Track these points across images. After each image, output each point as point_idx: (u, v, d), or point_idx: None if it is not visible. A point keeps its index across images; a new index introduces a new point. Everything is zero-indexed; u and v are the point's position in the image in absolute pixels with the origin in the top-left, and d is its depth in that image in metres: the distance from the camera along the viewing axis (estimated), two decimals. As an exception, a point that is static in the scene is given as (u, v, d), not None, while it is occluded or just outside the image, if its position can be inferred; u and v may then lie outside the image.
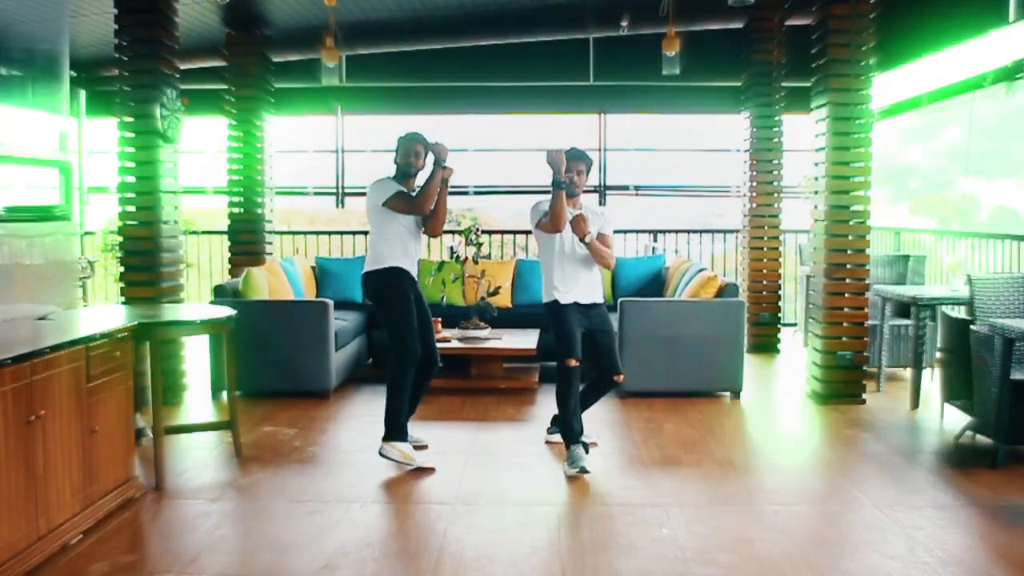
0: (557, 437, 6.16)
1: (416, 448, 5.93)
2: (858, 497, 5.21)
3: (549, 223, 5.79)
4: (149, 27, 7.19)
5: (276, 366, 7.57)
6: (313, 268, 9.47)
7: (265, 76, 10.06)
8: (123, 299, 7.42)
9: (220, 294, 7.86)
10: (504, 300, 9.06)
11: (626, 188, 12.11)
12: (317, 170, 12.27)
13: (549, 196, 5.82)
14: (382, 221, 5.88)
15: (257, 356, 7.47)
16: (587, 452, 5.76)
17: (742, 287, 9.93)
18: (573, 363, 5.76)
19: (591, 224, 5.91)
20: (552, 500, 5.18)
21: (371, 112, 12.21)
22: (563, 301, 5.87)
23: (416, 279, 6.00)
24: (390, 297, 5.86)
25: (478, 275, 8.56)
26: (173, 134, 7.42)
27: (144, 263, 7.36)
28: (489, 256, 10.05)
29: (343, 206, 12.17)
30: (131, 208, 7.37)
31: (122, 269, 7.49)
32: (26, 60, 7.57)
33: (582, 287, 5.94)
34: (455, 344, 7.88)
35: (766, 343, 9.99)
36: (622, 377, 6.06)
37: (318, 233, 12.21)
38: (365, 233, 10.80)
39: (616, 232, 6.21)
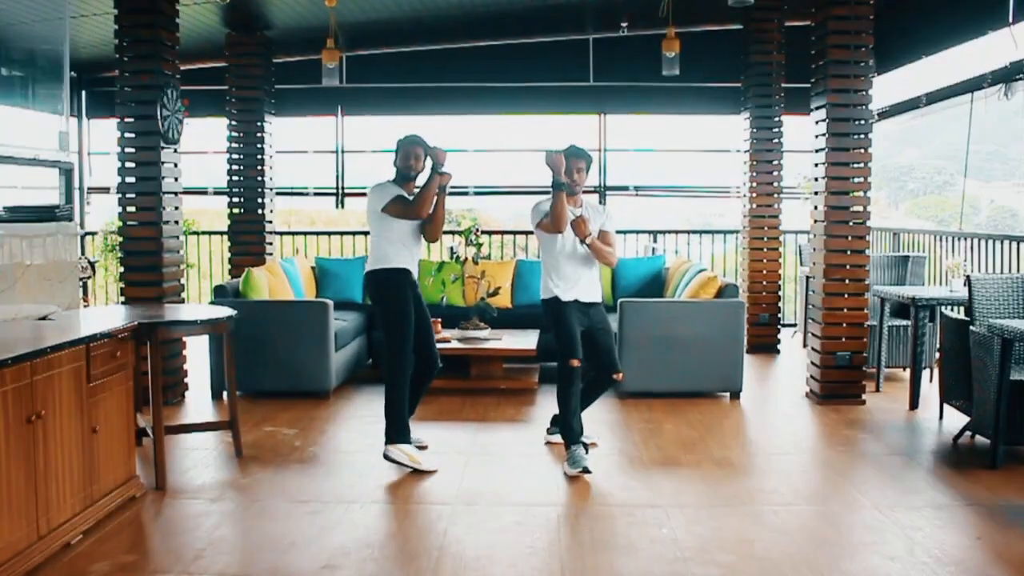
0: (557, 438, 6.16)
1: (417, 448, 5.92)
2: (857, 497, 5.21)
3: (550, 224, 5.79)
4: (150, 28, 7.18)
5: (276, 366, 7.56)
6: (313, 268, 9.46)
7: (265, 77, 10.07)
8: (124, 299, 7.42)
9: (221, 294, 7.86)
10: (504, 301, 9.05)
11: (626, 189, 12.12)
12: (317, 171, 12.28)
13: (549, 196, 5.82)
14: (382, 225, 5.88)
15: (257, 356, 7.46)
16: (587, 452, 5.76)
17: (742, 288, 9.92)
18: (575, 363, 5.76)
19: (592, 222, 5.91)
20: (552, 500, 5.17)
21: (371, 113, 12.22)
22: (564, 298, 5.87)
23: (416, 281, 6.00)
24: (389, 299, 5.86)
25: (478, 276, 8.55)
26: (174, 135, 7.42)
27: (145, 263, 7.36)
28: (489, 257, 10.04)
29: (343, 207, 12.18)
30: (132, 208, 7.37)
31: (123, 269, 7.49)
32: (27, 60, 7.57)
33: (583, 286, 5.95)
34: (455, 344, 7.87)
35: (766, 343, 9.98)
36: (621, 375, 6.07)
37: (318, 233, 12.23)
38: (365, 233, 10.82)
39: (616, 232, 6.18)
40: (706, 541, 4.52)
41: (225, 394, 7.10)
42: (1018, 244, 8.01)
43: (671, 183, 12.46)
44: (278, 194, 10.54)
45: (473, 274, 8.64)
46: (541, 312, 6.12)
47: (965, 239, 9.09)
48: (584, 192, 6.06)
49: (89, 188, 12.27)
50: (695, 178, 12.42)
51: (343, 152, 12.11)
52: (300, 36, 10.13)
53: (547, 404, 7.24)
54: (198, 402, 7.59)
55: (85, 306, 9.51)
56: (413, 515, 5.03)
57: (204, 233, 12.09)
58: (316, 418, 7.04)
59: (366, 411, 7.23)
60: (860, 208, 7.38)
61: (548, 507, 5.05)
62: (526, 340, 8.06)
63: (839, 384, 7.46)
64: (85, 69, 11.62)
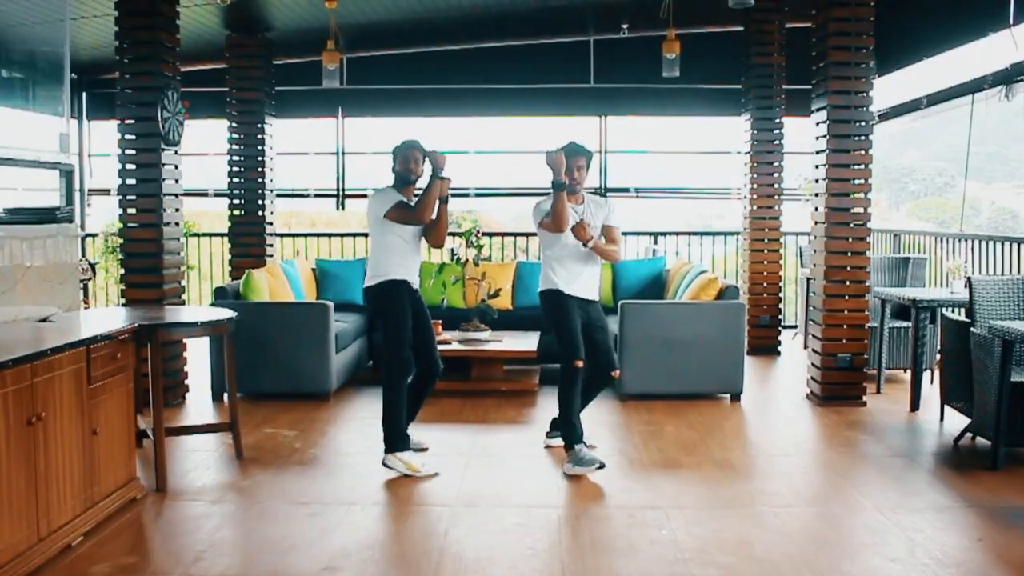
0: (557, 441, 6.14)
1: (417, 451, 5.93)
2: (858, 499, 5.20)
3: (551, 223, 5.78)
4: (150, 29, 7.18)
5: (277, 368, 7.56)
6: (314, 270, 9.44)
7: (266, 79, 10.06)
8: (124, 301, 7.42)
9: (221, 296, 7.86)
10: (505, 302, 9.04)
11: (627, 190, 12.12)
12: (318, 172, 12.28)
13: (551, 196, 5.81)
14: (383, 232, 5.87)
15: (258, 358, 7.46)
16: (588, 453, 5.76)
17: (742, 289, 9.91)
18: (580, 364, 5.77)
19: (594, 216, 5.92)
20: (552, 502, 5.16)
21: (372, 114, 12.21)
22: (567, 291, 5.86)
23: (417, 289, 5.99)
24: (388, 310, 5.86)
25: (478, 277, 8.54)
26: (174, 136, 7.42)
27: (145, 265, 7.36)
28: (490, 258, 10.03)
29: (344, 208, 12.18)
30: (132, 210, 7.37)
31: (123, 271, 7.49)
32: (27, 62, 7.57)
33: (583, 282, 5.94)
34: (455, 346, 7.86)
35: (766, 345, 9.97)
36: (618, 373, 6.09)
37: (319, 235, 12.23)
38: (366, 235, 10.82)
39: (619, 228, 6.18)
40: (706, 543, 4.51)
41: (226, 396, 7.07)
42: (1019, 245, 8.00)
43: (672, 185, 12.46)
44: (279, 196, 10.55)
45: (474, 276, 8.63)
46: (540, 304, 6.07)
47: (966, 240, 9.09)
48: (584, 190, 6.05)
49: (90, 190, 12.28)
50: (696, 180, 12.42)
51: (343, 154, 12.11)
52: (300, 38, 10.12)
53: (548, 406, 7.21)
54: (198, 404, 7.58)
55: (86, 308, 9.48)
56: (414, 517, 5.02)
57: (205, 235, 12.08)
58: (317, 420, 7.03)
59: (367, 413, 7.21)
60: (861, 210, 7.37)
61: (549, 509, 5.04)
62: (527, 342, 8.04)
63: (840, 386, 7.45)
64: (85, 71, 11.62)
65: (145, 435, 5.80)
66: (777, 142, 9.90)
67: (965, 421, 6.24)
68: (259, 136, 10.01)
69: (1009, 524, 4.78)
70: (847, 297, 7.42)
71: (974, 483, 5.44)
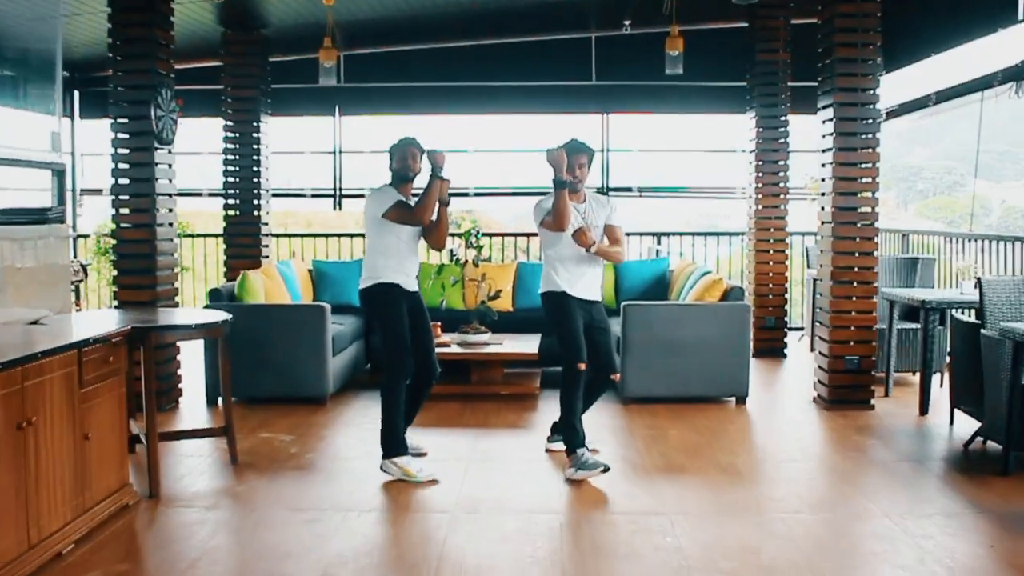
0: (557, 445, 6.10)
1: (416, 455, 5.88)
2: (866, 505, 5.16)
3: (553, 223, 5.73)
4: (144, 27, 7.15)
5: (272, 371, 7.51)
6: (310, 271, 9.41)
7: (262, 76, 10.02)
8: (117, 303, 7.39)
9: (215, 298, 7.82)
10: (505, 304, 8.99)
11: (629, 190, 12.09)
12: (314, 172, 12.25)
13: (552, 194, 5.76)
14: (380, 232, 5.82)
15: (253, 361, 7.39)
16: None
17: (748, 290, 9.78)
18: (582, 367, 5.74)
19: (596, 215, 5.89)
20: (554, 508, 5.13)
21: (369, 112, 12.20)
22: (569, 293, 5.82)
23: (416, 290, 5.95)
24: (383, 313, 5.83)
25: (478, 278, 8.48)
26: (168, 135, 7.38)
27: (138, 266, 7.32)
28: (489, 259, 10.01)
29: (341, 208, 12.18)
30: (125, 211, 7.33)
31: (116, 272, 7.48)
32: (19, 60, 7.53)
33: (586, 283, 5.91)
34: (455, 349, 7.82)
35: (772, 347, 9.95)
36: (617, 376, 6.10)
37: (315, 236, 12.22)
38: (363, 235, 10.77)
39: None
40: (711, 549, 4.47)
41: (220, 400, 6.95)
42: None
43: (675, 184, 12.47)
44: (274, 195, 10.52)
45: (473, 277, 8.58)
46: (541, 305, 6.04)
47: (976, 240, 9.08)
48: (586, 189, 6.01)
49: (82, 190, 12.22)
50: (699, 179, 12.44)
51: (340, 153, 12.08)
52: (297, 35, 10.09)
53: (549, 410, 7.17)
54: (192, 408, 7.54)
55: (77, 310, 9.56)
56: (412, 523, 5.00)
57: (199, 235, 12.07)
58: (313, 424, 6.99)
59: (364, 417, 7.18)
60: (868, 209, 7.33)
61: (550, 515, 5.00)
62: (527, 344, 8.00)
63: (847, 389, 7.40)
64: (78, 68, 11.59)
65: (138, 440, 5.76)
66: (782, 140, 9.87)
67: (975, 425, 6.21)
68: (254, 135, 9.97)
69: (1021, 530, 4.75)
70: (854, 298, 7.37)
71: (985, 488, 5.39)
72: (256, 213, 10.02)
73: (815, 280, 8.42)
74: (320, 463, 6.02)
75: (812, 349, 8.68)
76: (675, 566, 4.26)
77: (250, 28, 9.77)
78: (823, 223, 7.56)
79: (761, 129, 9.86)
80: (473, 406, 7.53)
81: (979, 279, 6.41)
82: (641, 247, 11.74)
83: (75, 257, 10.43)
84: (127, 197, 7.31)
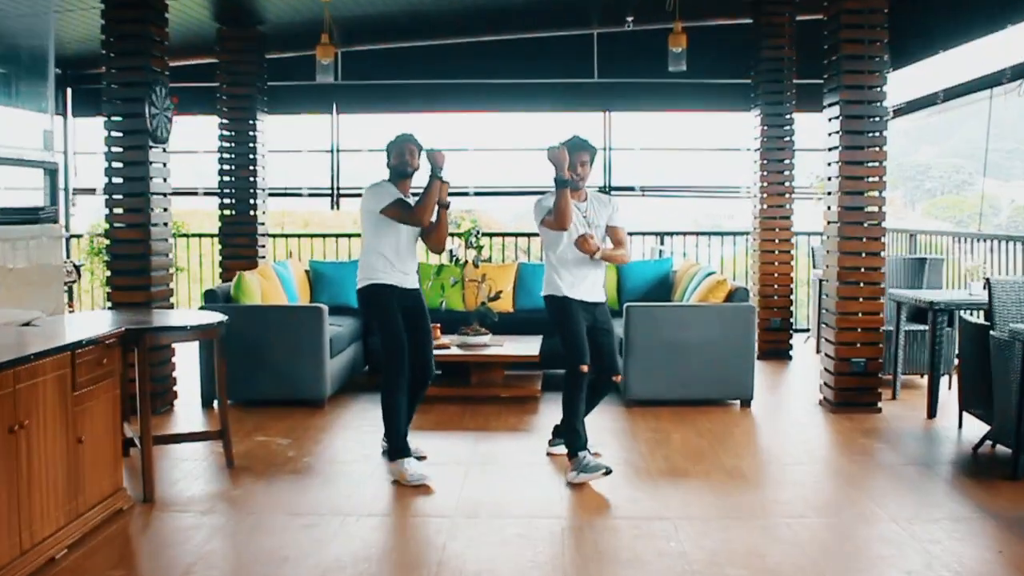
0: (558, 449, 6.07)
1: (416, 459, 5.84)
2: (873, 509, 5.13)
3: (554, 221, 5.68)
4: (138, 23, 7.11)
5: (269, 374, 7.48)
6: (307, 272, 9.39)
7: (258, 74, 9.97)
8: (111, 304, 7.36)
9: (211, 299, 7.79)
10: (505, 305, 8.95)
11: (632, 189, 12.06)
12: (311, 171, 12.21)
13: (552, 192, 5.72)
14: (377, 228, 5.79)
15: (249, 363, 7.36)
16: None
17: (752, 291, 9.82)
18: (585, 369, 5.71)
19: (598, 215, 5.86)
20: (555, 512, 5.11)
21: (367, 110, 12.19)
22: (572, 296, 5.78)
23: (414, 287, 5.93)
24: (378, 314, 5.85)
25: (478, 279, 8.44)
26: (163, 133, 7.35)
27: (133, 267, 7.29)
28: (490, 259, 9.99)
29: (338, 208, 12.19)
30: (119, 210, 7.30)
31: (109, 273, 7.44)
32: (10, 57, 7.49)
33: (589, 284, 5.87)
34: (455, 351, 7.78)
35: (777, 349, 9.91)
36: (619, 377, 6.07)
37: (312, 236, 12.21)
38: (360, 235, 10.76)
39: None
40: (716, 555, 4.45)
41: (216, 403, 7.04)
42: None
43: (678, 183, 12.45)
44: (271, 195, 10.47)
45: (473, 278, 8.54)
46: (544, 308, 6.01)
47: (985, 240, 9.07)
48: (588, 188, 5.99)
49: (75, 189, 12.20)
50: (703, 178, 12.45)
51: (338, 151, 12.06)
52: (294, 31, 10.06)
53: (550, 413, 7.15)
54: (188, 411, 7.51)
55: (70, 311, 9.56)
56: (411, 528, 4.99)
57: (194, 235, 12.05)
58: (310, 427, 6.95)
59: (362, 420, 7.16)
60: (875, 208, 7.29)
61: (551, 519, 4.98)
62: (528, 346, 7.95)
63: (854, 391, 7.37)
64: (71, 65, 11.57)
65: (132, 443, 5.76)
66: (788, 139, 9.83)
67: (984, 428, 6.17)
68: (251, 133, 9.91)
69: (1031, 536, 4.72)
70: (861, 299, 7.33)
71: (994, 492, 5.36)
72: (252, 213, 9.97)
73: (821, 281, 8.41)
74: (318, 467, 5.98)
75: (818, 351, 8.67)
76: (679, 571, 4.22)
77: (246, 24, 9.73)
78: (829, 223, 7.52)
79: (766, 127, 9.82)
80: (473, 409, 7.50)
81: (988, 280, 6.40)
82: (644, 247, 11.72)
83: (68, 257, 10.43)
84: (121, 196, 7.28)
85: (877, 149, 7.25)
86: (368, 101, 11.95)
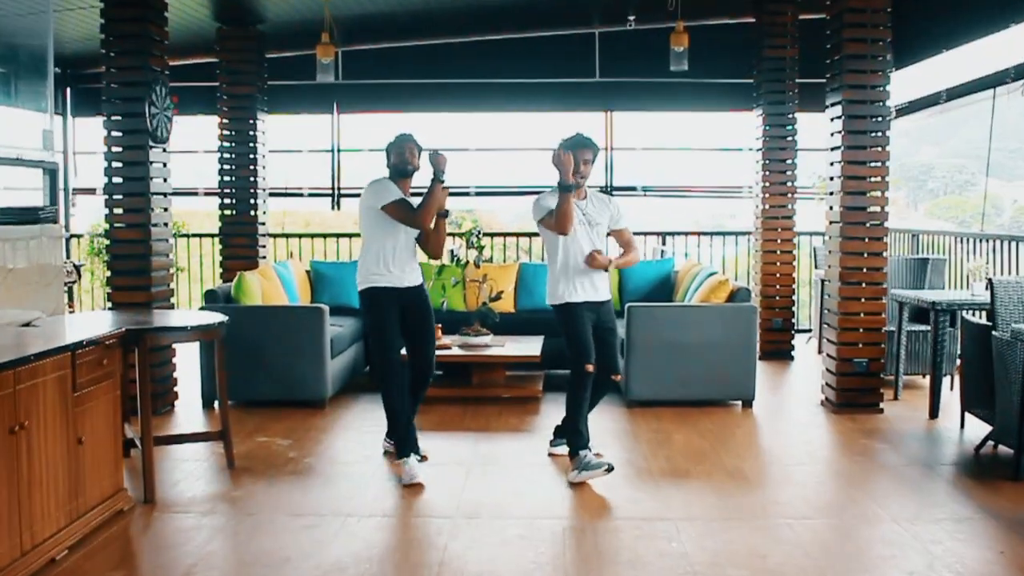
0: (560, 449, 6.06)
1: (417, 459, 5.85)
2: (875, 510, 5.11)
3: (555, 226, 5.66)
4: (137, 22, 7.09)
5: (270, 374, 7.46)
6: (308, 272, 9.37)
7: (258, 73, 9.95)
8: (111, 304, 7.35)
9: (211, 299, 7.78)
10: (507, 305, 8.92)
11: (633, 189, 12.03)
12: (312, 171, 12.19)
13: (552, 191, 5.73)
14: (377, 226, 5.78)
15: (250, 364, 7.35)
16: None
17: (754, 291, 9.83)
18: (591, 369, 5.69)
19: (599, 215, 5.84)
20: (556, 513, 5.10)
21: (368, 110, 12.13)
22: (574, 300, 5.77)
23: (415, 284, 5.92)
24: (373, 317, 5.87)
25: (480, 279, 8.43)
26: (163, 133, 7.34)
27: (133, 267, 7.28)
28: (491, 259, 9.98)
29: (339, 208, 12.15)
30: (119, 210, 7.29)
31: (110, 273, 7.42)
32: (8, 56, 7.45)
33: (592, 285, 5.84)
34: (456, 351, 7.76)
35: (779, 350, 9.89)
36: (619, 377, 6.08)
37: (313, 236, 12.17)
38: (360, 234, 10.76)
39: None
40: (717, 555, 4.44)
41: (216, 403, 7.01)
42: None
43: (680, 183, 12.42)
44: (271, 195, 10.45)
45: (475, 278, 8.54)
46: (551, 317, 6.01)
47: (987, 240, 9.06)
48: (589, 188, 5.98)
49: (74, 189, 12.18)
50: (705, 178, 12.41)
51: (339, 151, 12.02)
52: (294, 30, 10.03)
53: (552, 413, 7.15)
54: (188, 412, 7.50)
55: (70, 312, 9.55)
56: (413, 529, 4.98)
57: (194, 235, 12.02)
58: (311, 428, 6.94)
59: (363, 420, 7.15)
60: (877, 208, 7.28)
61: (552, 520, 4.97)
62: (530, 346, 7.93)
63: (856, 392, 7.35)
64: (70, 65, 11.54)
65: (133, 444, 5.75)
66: (790, 138, 9.81)
67: (986, 429, 6.16)
68: (251, 133, 9.89)
69: (1032, 536, 4.71)
70: (863, 300, 7.31)
71: (996, 493, 5.36)
72: (253, 213, 9.94)
73: (823, 281, 8.38)
74: (318, 467, 5.97)
75: (820, 351, 8.65)
76: (681, 572, 4.22)
77: (246, 23, 9.70)
78: (831, 223, 7.51)
79: (768, 127, 9.79)
80: (474, 409, 7.48)
81: (990, 280, 6.38)
82: (646, 247, 11.69)
83: (68, 258, 10.41)
84: (121, 196, 7.26)
85: (879, 149, 7.24)
86: (369, 100, 11.89)
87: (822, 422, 7.17)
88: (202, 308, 7.60)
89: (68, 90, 11.91)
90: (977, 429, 6.41)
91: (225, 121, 9.83)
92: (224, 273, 9.90)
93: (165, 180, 7.47)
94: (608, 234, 6.00)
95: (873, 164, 7.25)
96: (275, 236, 11.53)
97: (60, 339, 4.61)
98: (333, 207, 12.05)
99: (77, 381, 4.53)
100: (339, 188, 11.99)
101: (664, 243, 11.69)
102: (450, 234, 7.45)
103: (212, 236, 10.96)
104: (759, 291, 9.87)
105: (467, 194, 12.09)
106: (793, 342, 10.00)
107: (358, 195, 6.23)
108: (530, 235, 11.37)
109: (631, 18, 10.16)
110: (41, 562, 4.19)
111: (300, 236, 12.27)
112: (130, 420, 5.84)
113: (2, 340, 4.57)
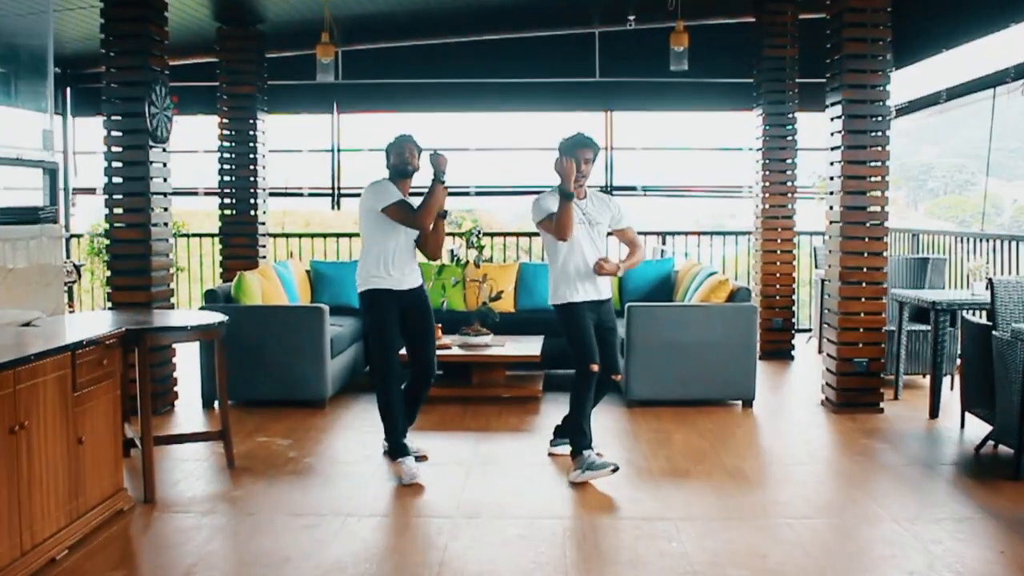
0: (561, 449, 6.05)
1: (416, 459, 5.85)
2: (875, 510, 5.11)
3: (555, 231, 5.65)
4: (137, 22, 7.08)
5: (270, 374, 7.45)
6: (308, 272, 9.36)
7: (258, 73, 9.95)
8: (111, 304, 7.34)
9: (211, 299, 7.77)
10: (507, 305, 8.91)
11: (633, 189, 12.02)
12: (312, 170, 12.18)
13: (552, 191, 5.72)
14: (376, 228, 5.77)
15: (250, 364, 7.34)
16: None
17: (754, 291, 9.81)
18: (595, 368, 5.68)
19: (599, 214, 5.83)
20: (557, 513, 5.09)
21: (368, 109, 12.12)
22: (576, 300, 5.76)
23: (414, 286, 5.91)
24: (372, 319, 5.87)
25: (479, 279, 8.42)
26: (163, 133, 7.33)
27: (133, 267, 7.27)
28: (491, 259, 9.97)
29: (339, 208, 12.13)
30: (119, 210, 7.28)
31: (110, 273, 7.41)
32: (8, 56, 7.44)
33: (593, 284, 5.83)
34: (456, 351, 7.75)
35: (779, 349, 9.88)
36: (619, 376, 6.06)
37: (313, 236, 12.16)
38: (359, 235, 10.76)
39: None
40: (717, 555, 4.44)
41: (216, 403, 7.01)
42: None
43: (680, 183, 12.40)
44: (271, 195, 10.44)
45: (474, 277, 8.54)
46: (551, 317, 6.02)
47: (987, 240, 9.05)
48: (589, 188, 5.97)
49: (74, 189, 12.18)
50: (705, 177, 12.38)
51: (339, 151, 12.00)
52: (294, 30, 10.03)
53: (552, 413, 7.14)
54: (188, 412, 7.49)
55: (70, 312, 9.53)
56: (413, 529, 4.96)
57: (194, 235, 12.01)
58: (311, 428, 6.93)
59: (363, 420, 7.13)
60: (877, 208, 7.26)
61: (553, 520, 4.96)
62: (530, 346, 7.92)
63: (856, 392, 7.34)
64: (70, 65, 11.53)
65: (133, 444, 5.75)
66: (790, 138, 9.80)
67: (987, 428, 6.15)
68: (251, 132, 9.88)
69: (1033, 536, 4.71)
70: (863, 299, 7.30)
71: (996, 493, 5.35)
72: (253, 212, 9.94)
73: (823, 281, 8.38)
74: (319, 467, 5.96)
75: (820, 351, 8.64)
76: (681, 572, 4.21)
77: (246, 23, 9.70)
78: (831, 222, 7.50)
79: (768, 127, 9.78)
80: (474, 409, 7.47)
81: (991, 280, 6.37)
82: (646, 247, 11.64)
83: (68, 257, 10.40)
84: (121, 196, 7.25)
85: (879, 149, 7.23)
86: (369, 100, 11.88)
87: (822, 422, 7.16)
88: (202, 308, 7.59)
89: (68, 90, 11.90)
90: (977, 429, 6.40)
91: (225, 121, 9.82)
92: (224, 273, 9.89)
93: (165, 180, 7.46)
94: (609, 234, 5.99)
95: (873, 164, 7.24)
96: (275, 236, 11.53)
97: (60, 339, 4.60)
98: (333, 207, 12.03)
99: (77, 381, 4.52)
100: (339, 188, 11.97)
101: (664, 243, 11.67)
102: (450, 234, 7.46)
103: (212, 236, 10.94)
104: (759, 291, 9.86)
105: (467, 194, 12.06)
106: (793, 342, 9.99)
107: (358, 195, 6.22)
108: (530, 235, 11.35)
109: (631, 18, 10.15)
110: (41, 562, 4.19)
111: (300, 236, 12.26)
112: (130, 420, 5.83)
113: (2, 340, 4.57)
